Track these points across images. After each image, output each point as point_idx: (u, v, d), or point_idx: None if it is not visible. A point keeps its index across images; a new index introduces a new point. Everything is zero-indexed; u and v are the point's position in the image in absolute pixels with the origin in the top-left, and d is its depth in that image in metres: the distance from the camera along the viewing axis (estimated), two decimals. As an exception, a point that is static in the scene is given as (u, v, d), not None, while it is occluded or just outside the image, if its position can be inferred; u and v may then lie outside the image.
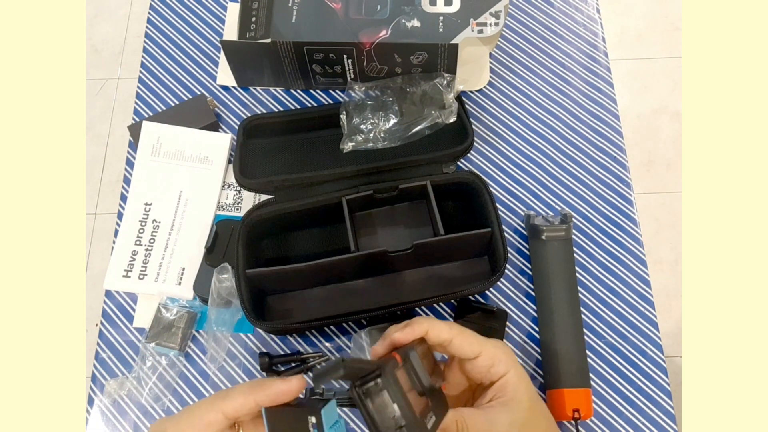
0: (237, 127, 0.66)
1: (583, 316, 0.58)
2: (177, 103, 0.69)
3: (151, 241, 0.62)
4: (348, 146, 0.62)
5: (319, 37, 0.61)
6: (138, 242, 0.62)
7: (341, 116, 0.63)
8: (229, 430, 0.38)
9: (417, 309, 0.59)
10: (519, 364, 0.44)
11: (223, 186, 0.65)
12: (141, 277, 0.61)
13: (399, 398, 0.35)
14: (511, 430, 0.42)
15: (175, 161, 0.65)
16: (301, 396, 0.38)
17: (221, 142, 0.65)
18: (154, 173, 0.65)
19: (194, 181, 0.64)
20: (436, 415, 0.39)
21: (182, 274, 0.61)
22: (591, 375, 0.56)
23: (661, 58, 1.58)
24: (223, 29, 0.73)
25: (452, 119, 0.61)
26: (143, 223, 0.63)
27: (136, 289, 0.61)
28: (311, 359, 0.57)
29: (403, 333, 0.42)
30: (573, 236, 0.60)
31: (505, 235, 0.57)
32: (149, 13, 0.75)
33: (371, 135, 0.62)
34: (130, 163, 0.67)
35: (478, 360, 0.43)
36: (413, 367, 0.39)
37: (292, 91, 0.70)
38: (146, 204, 0.64)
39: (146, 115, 0.68)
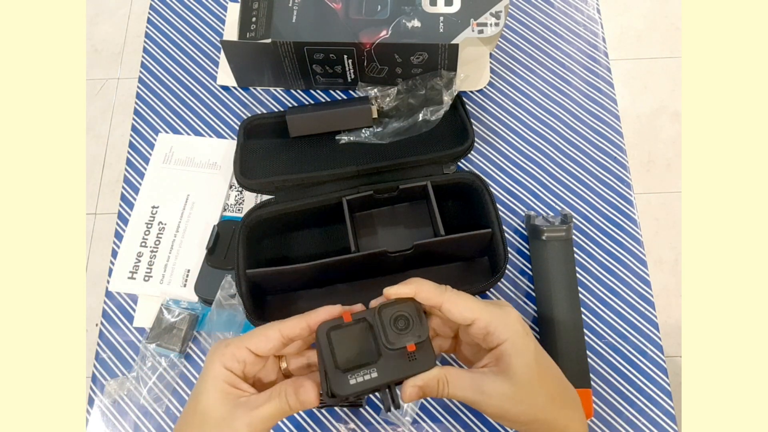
0: (237, 127, 0.66)
1: (583, 316, 0.58)
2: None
3: (157, 242, 0.62)
4: (344, 139, 0.62)
5: (319, 38, 0.61)
6: (143, 244, 0.62)
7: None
8: (276, 358, 0.44)
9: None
10: (522, 333, 0.40)
11: (224, 187, 0.65)
12: (146, 278, 0.61)
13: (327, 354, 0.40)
14: (499, 402, 0.39)
15: (185, 167, 0.65)
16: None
17: (230, 147, 0.66)
18: (163, 178, 0.65)
19: (202, 185, 0.65)
20: (378, 372, 0.40)
21: (187, 275, 0.61)
22: (591, 375, 0.56)
23: (661, 58, 1.58)
24: (223, 29, 0.73)
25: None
26: (149, 225, 0.63)
27: (142, 291, 0.61)
28: (311, 359, 0.58)
29: (391, 289, 0.42)
30: (573, 236, 0.60)
31: (506, 235, 0.57)
32: (149, 13, 0.75)
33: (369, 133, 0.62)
34: (130, 164, 0.67)
35: (471, 328, 0.41)
36: (373, 325, 0.42)
37: (292, 91, 0.70)
38: (153, 207, 0.64)
39: (146, 115, 0.68)
